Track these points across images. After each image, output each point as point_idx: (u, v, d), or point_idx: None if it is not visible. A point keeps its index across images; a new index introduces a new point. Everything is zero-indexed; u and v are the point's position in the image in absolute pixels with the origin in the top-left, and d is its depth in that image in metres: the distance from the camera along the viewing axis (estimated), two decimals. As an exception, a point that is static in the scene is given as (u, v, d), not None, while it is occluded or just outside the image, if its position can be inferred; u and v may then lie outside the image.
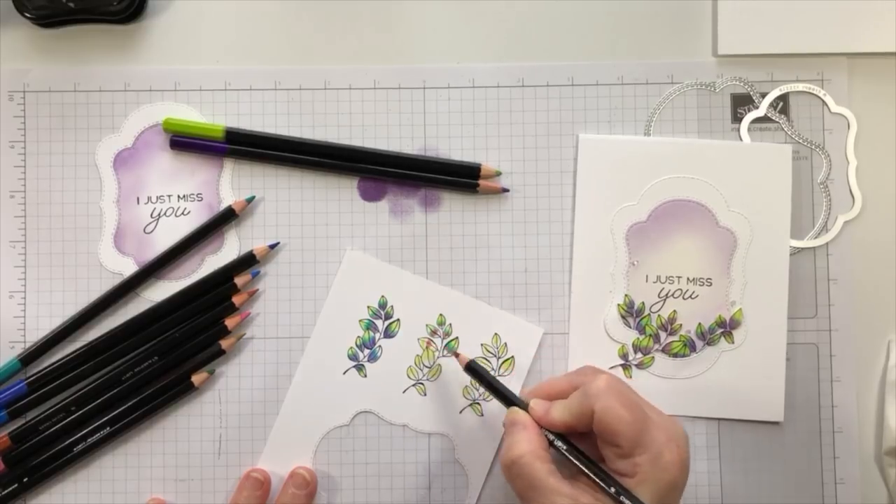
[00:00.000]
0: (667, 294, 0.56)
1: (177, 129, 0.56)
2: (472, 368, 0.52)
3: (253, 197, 0.56)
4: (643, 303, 0.56)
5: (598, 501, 0.45)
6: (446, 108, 0.57)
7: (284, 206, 0.56)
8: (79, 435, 0.54)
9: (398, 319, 0.56)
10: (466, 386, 0.55)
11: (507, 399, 0.50)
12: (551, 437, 0.48)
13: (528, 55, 0.57)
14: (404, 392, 0.55)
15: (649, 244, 0.56)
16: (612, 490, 0.44)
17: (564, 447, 0.47)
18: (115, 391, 0.54)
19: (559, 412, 0.48)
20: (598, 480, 0.45)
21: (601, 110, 0.57)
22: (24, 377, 0.55)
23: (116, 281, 0.55)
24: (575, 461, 0.47)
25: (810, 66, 0.57)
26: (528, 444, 0.47)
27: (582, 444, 0.48)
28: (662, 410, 0.48)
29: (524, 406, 0.49)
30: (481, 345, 0.56)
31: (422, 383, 0.55)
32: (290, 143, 0.56)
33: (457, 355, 0.53)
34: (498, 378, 0.52)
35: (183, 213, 0.56)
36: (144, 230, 0.56)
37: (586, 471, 0.46)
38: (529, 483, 0.45)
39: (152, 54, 0.57)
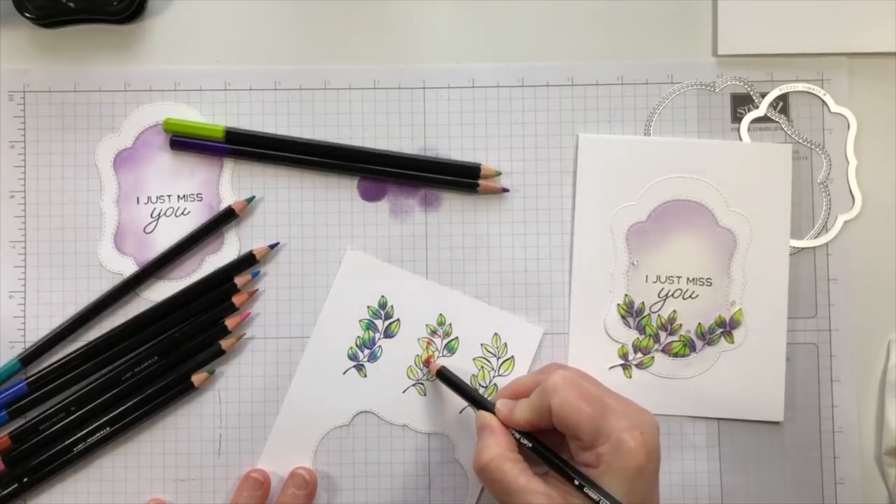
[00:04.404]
0: (667, 294, 0.56)
1: (177, 129, 0.56)
2: (442, 374, 0.53)
3: (253, 197, 0.56)
4: (643, 303, 0.56)
5: (568, 494, 0.45)
6: (446, 108, 0.56)
7: (284, 206, 0.56)
8: (79, 435, 0.54)
9: (398, 319, 0.56)
10: (466, 386, 0.56)
11: (478, 402, 0.51)
12: (517, 436, 0.48)
13: (528, 55, 0.57)
14: (404, 392, 0.55)
15: (649, 244, 0.56)
16: (576, 483, 0.45)
17: (529, 445, 0.48)
18: (115, 391, 0.54)
19: (522, 411, 0.49)
20: (562, 475, 0.46)
21: (601, 110, 0.57)
22: (24, 377, 0.55)
23: (116, 281, 0.55)
24: (540, 458, 0.48)
25: (810, 66, 0.57)
26: (496, 448, 0.47)
27: (554, 440, 0.48)
28: (650, 407, 0.48)
29: (493, 409, 0.50)
30: (481, 345, 0.56)
31: (422, 383, 0.55)
32: (290, 143, 0.56)
33: (427, 363, 0.54)
34: (497, 377, 0.52)
35: (183, 213, 0.56)
36: (144, 230, 0.56)
37: (550, 466, 0.47)
38: (502, 485, 0.46)
39: (152, 54, 0.57)
